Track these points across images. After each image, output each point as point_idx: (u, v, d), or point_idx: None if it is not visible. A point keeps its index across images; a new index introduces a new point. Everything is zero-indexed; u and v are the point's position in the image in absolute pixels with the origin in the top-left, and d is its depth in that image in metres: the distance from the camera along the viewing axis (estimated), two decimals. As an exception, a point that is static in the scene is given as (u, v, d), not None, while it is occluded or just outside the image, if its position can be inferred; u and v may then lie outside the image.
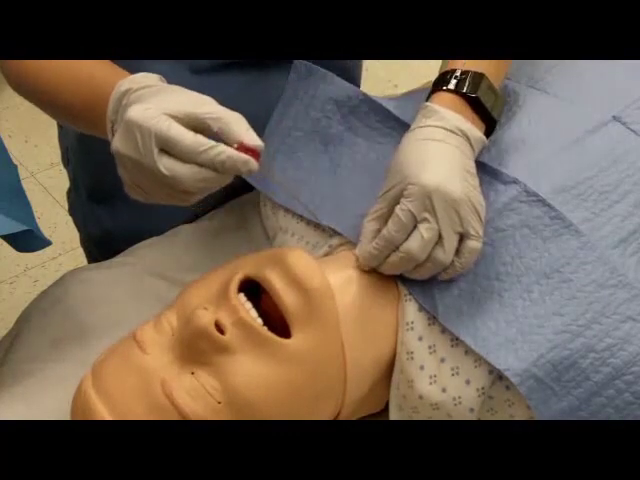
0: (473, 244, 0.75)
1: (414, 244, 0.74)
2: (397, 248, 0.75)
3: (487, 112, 0.81)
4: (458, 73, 0.81)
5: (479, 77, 0.80)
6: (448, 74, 0.81)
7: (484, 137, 0.80)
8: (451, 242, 0.75)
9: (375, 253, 0.77)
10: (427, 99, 0.82)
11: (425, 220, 0.74)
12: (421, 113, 0.80)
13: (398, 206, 0.75)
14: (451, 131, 0.78)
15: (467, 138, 0.78)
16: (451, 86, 0.80)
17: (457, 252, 0.76)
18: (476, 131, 0.79)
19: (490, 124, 0.82)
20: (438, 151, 0.76)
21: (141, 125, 0.69)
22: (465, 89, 0.80)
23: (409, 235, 0.75)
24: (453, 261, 0.76)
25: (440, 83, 0.81)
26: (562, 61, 0.96)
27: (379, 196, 0.78)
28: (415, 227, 0.74)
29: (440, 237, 0.74)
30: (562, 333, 0.74)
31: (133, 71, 0.78)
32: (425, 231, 0.74)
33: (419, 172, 0.74)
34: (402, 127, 0.87)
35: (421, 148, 0.77)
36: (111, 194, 1.07)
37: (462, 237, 0.76)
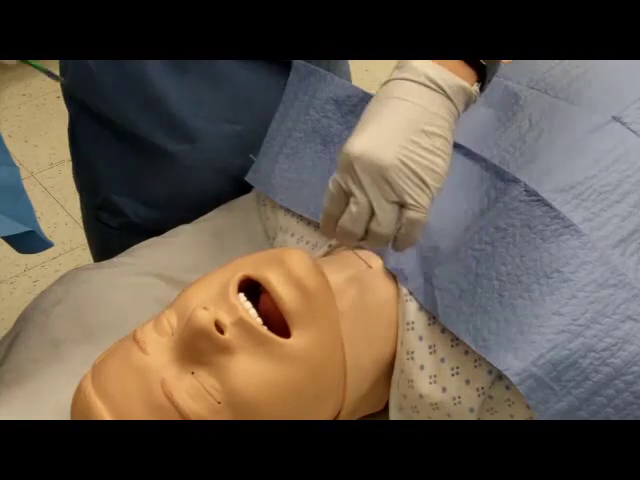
0: (412, 215, 0.69)
1: (346, 219, 0.71)
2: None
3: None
4: None
5: None
6: None
7: (468, 85, 0.71)
8: (385, 214, 0.69)
9: (322, 229, 0.75)
10: None
11: (353, 193, 0.69)
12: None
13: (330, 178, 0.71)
14: (419, 83, 0.70)
15: (441, 89, 0.70)
16: None
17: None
18: (456, 79, 0.70)
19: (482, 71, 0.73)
20: (385, 111, 0.70)
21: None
22: None
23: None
24: (397, 234, 0.71)
25: None
26: (562, 62, 0.96)
27: None
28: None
29: (372, 209, 0.69)
30: (562, 333, 0.74)
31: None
32: (353, 205, 0.70)
33: (351, 139, 0.69)
34: None
35: (372, 110, 0.71)
36: None
37: (402, 207, 0.70)
